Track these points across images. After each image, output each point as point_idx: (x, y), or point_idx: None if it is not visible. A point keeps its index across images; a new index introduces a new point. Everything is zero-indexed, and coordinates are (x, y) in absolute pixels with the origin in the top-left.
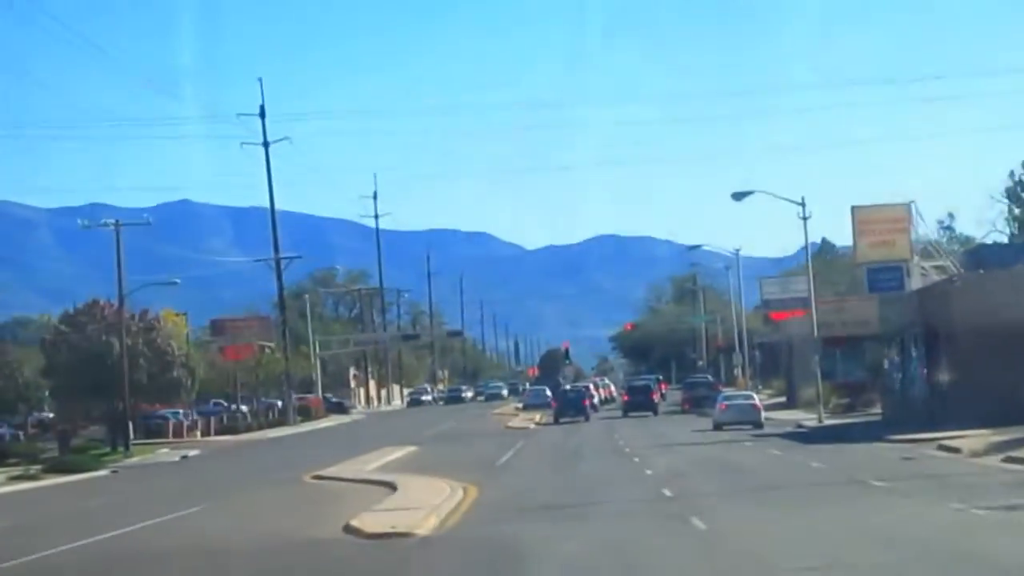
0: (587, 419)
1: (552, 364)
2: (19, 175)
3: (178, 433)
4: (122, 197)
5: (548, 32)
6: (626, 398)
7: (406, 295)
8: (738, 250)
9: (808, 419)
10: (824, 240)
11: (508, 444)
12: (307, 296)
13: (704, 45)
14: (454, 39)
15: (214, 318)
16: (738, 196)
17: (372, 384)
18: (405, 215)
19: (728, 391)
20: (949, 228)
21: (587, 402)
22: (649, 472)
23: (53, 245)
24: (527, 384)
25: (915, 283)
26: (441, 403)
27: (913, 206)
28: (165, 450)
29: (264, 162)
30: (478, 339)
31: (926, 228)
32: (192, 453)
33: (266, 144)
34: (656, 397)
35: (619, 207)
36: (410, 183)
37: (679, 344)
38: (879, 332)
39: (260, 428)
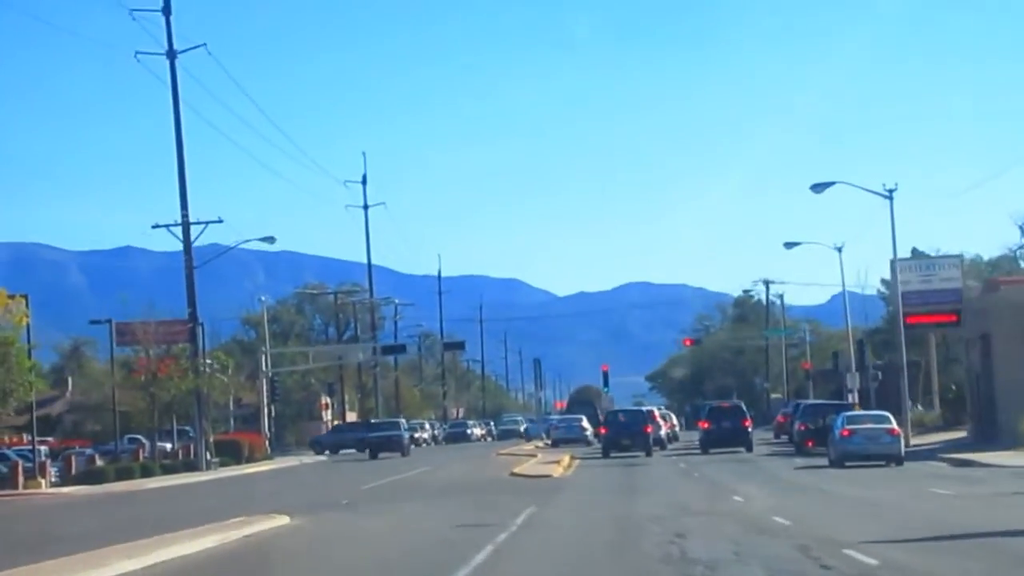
0: (648, 453)
1: (584, 400)
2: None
3: (8, 481)
4: (154, 240)
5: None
6: (706, 426)
7: (398, 303)
8: (893, 189)
9: None
10: (915, 251)
11: (492, 520)
12: (262, 300)
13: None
14: (476, 85)
15: (120, 322)
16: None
17: (352, 417)
18: (433, 261)
19: (852, 412)
20: None
21: (649, 428)
22: None
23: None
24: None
25: None
26: (440, 442)
27: None
28: None
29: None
30: (501, 377)
31: None
32: None
33: (172, 63)
34: (749, 425)
35: (650, 254)
36: (440, 228)
37: (742, 373)
38: None
39: (145, 475)
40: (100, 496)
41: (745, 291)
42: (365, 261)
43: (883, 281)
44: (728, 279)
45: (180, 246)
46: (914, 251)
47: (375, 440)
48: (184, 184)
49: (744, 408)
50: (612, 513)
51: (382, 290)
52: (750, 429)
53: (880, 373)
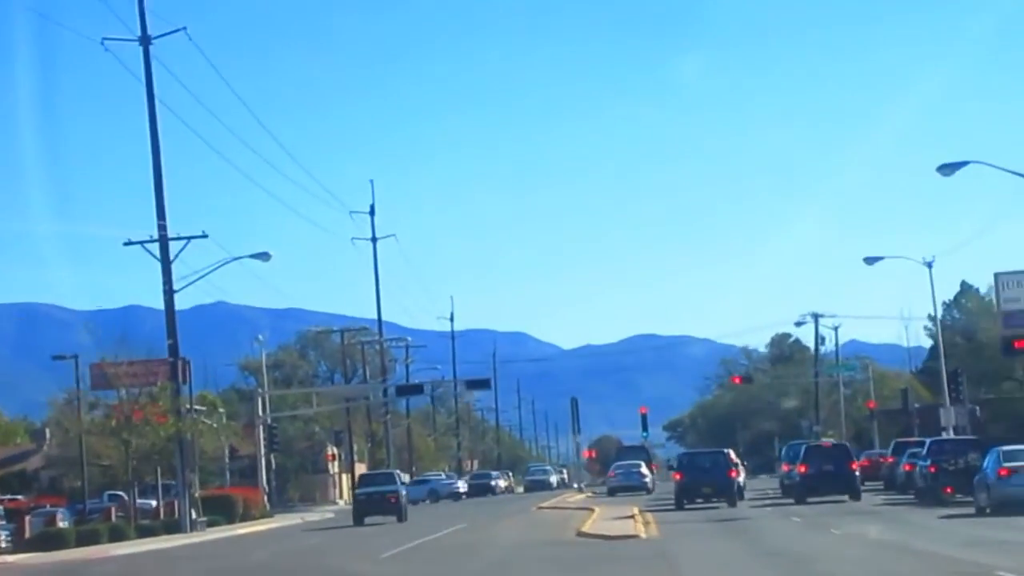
0: (732, 503)
1: (610, 450)
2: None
3: None
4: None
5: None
6: (803, 470)
7: (409, 342)
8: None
9: None
10: (964, 284)
11: None
12: (260, 340)
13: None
14: (471, 133)
15: (93, 363)
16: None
17: (362, 469)
18: (437, 315)
19: (1008, 447)
20: None
21: (734, 473)
22: None
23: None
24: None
25: None
26: (461, 496)
27: None
28: None
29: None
30: (514, 428)
31: None
32: None
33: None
34: (856, 469)
35: (655, 305)
36: (443, 283)
37: (784, 416)
38: None
39: (115, 538)
40: (38, 568)
41: (797, 325)
42: (374, 317)
43: (931, 318)
44: (730, 328)
45: (190, 303)
46: (963, 284)
47: (362, 499)
48: (161, 191)
49: (849, 448)
50: None
51: (399, 349)
52: (858, 473)
53: (978, 408)
